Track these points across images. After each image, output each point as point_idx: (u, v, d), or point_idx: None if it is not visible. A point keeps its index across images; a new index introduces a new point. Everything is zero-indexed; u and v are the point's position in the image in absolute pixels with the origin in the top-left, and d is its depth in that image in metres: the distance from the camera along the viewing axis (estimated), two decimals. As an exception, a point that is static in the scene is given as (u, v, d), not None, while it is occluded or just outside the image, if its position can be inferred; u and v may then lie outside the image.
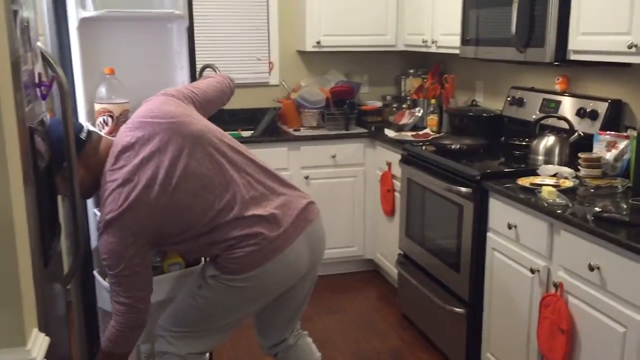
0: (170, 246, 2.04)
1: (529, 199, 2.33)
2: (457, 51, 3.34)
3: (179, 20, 2.29)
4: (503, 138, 3.37)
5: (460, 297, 2.82)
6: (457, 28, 3.31)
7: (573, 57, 2.56)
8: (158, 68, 2.35)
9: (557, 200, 2.27)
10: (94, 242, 2.33)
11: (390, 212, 3.67)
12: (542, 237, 2.29)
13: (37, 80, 1.56)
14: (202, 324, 2.00)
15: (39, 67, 1.61)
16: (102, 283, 2.19)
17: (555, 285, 2.20)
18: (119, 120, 2.20)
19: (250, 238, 1.88)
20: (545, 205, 2.25)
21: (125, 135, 1.90)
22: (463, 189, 2.73)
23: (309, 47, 4.00)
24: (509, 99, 3.37)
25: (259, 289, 1.96)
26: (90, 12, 2.17)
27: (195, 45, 2.39)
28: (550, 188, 2.32)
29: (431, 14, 3.69)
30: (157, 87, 2.20)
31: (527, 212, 2.36)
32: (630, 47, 2.21)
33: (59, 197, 1.96)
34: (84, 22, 2.17)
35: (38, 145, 1.51)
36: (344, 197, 3.95)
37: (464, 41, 3.23)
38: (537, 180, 2.50)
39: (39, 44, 1.64)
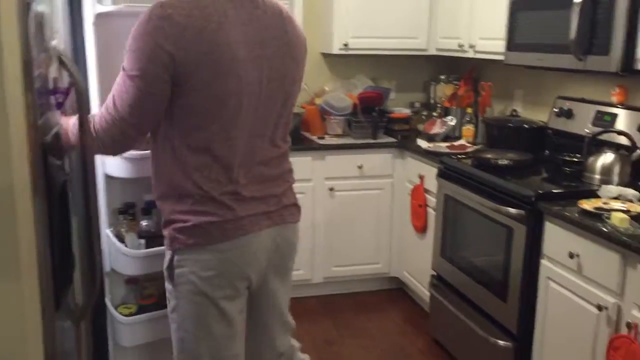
0: (177, 123, 1.64)
1: (597, 226, 2.07)
2: (499, 57, 3.08)
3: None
4: (548, 152, 3.11)
5: (507, 329, 2.56)
6: (500, 32, 3.05)
7: (642, 67, 2.31)
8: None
9: (631, 228, 2.01)
10: (106, 266, 2.09)
11: (421, 229, 3.41)
12: (612, 271, 2.03)
13: (51, 86, 1.30)
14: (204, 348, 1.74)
15: (53, 71, 1.36)
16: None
17: (629, 326, 1.95)
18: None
19: (217, 206, 1.65)
20: (618, 234, 1.99)
21: None
22: (514, 210, 2.47)
23: (336, 50, 3.74)
24: (555, 109, 3.11)
25: (225, 269, 1.69)
26: (107, 7, 1.93)
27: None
28: (622, 214, 2.06)
29: (469, 16, 3.43)
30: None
31: (593, 241, 2.10)
32: None
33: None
34: (100, 18, 1.92)
35: (52, 166, 1.25)
36: (369, 211, 3.69)
37: (510, 46, 2.97)
38: (601, 203, 2.25)
39: (54, 43, 1.39)
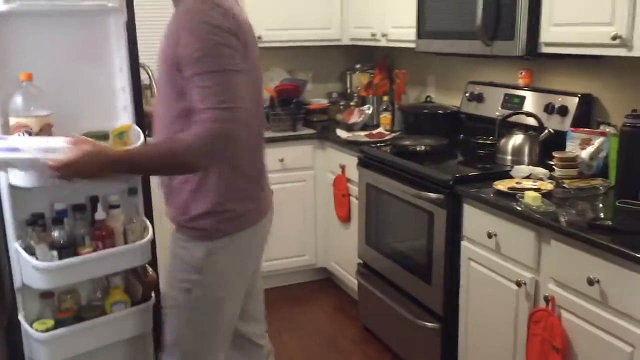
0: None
1: (511, 206, 2.14)
2: (411, 45, 3.14)
3: (114, 14, 1.94)
4: (462, 136, 3.20)
5: (433, 310, 2.62)
6: (411, 20, 3.10)
7: (545, 50, 2.40)
8: (89, 72, 1.99)
9: (543, 206, 2.09)
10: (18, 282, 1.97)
11: (345, 219, 3.43)
12: (528, 247, 2.11)
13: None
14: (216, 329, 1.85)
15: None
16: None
17: (547, 300, 2.03)
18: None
19: (255, 189, 1.81)
20: (532, 212, 2.06)
21: None
22: (433, 195, 2.52)
23: (249, 43, 3.69)
24: (467, 94, 3.20)
25: (249, 252, 1.85)
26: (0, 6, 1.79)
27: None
28: (534, 193, 2.14)
29: (380, 5, 3.46)
30: (87, 95, 1.86)
31: (509, 220, 2.18)
32: (614, 38, 2.06)
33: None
34: (-7, 19, 1.79)
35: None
36: (293, 203, 3.68)
37: (421, 34, 3.02)
38: (514, 183, 2.33)
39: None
